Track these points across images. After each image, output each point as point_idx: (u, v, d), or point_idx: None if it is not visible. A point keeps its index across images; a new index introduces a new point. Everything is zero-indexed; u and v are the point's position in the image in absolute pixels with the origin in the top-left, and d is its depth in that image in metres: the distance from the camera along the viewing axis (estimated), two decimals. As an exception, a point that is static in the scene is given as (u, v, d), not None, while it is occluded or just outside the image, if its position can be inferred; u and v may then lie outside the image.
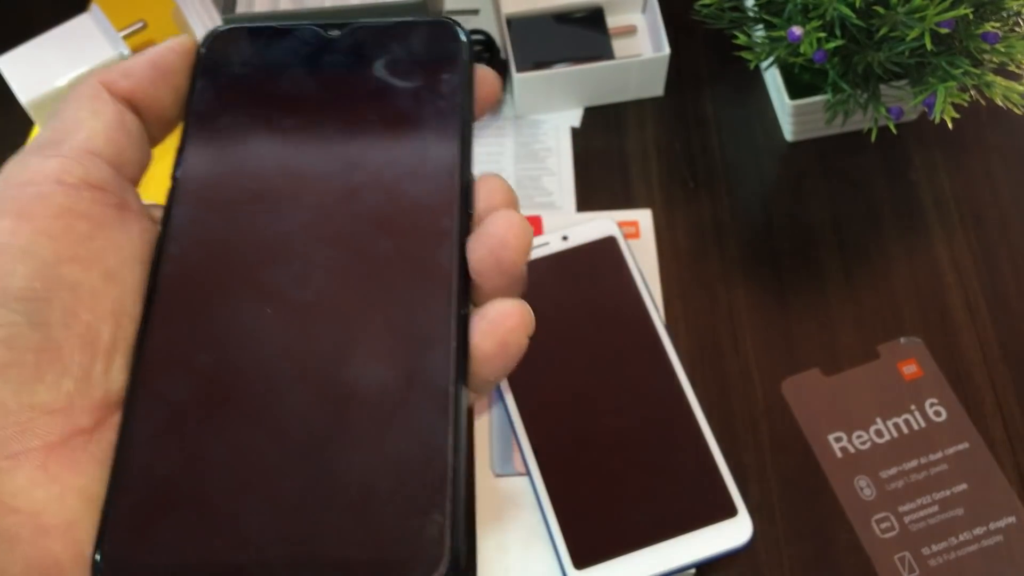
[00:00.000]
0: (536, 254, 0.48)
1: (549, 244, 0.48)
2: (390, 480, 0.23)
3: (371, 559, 0.22)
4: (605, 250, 0.48)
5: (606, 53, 0.60)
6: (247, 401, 0.24)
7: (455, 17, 0.52)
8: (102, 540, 0.22)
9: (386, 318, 0.25)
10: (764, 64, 0.53)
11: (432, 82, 0.30)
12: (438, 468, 0.23)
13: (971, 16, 0.47)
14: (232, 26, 0.30)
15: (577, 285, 0.47)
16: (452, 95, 0.29)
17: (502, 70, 0.60)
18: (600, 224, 0.49)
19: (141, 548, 0.22)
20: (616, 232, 0.48)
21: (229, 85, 0.29)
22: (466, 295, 0.27)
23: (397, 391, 0.24)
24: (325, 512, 0.22)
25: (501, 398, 0.45)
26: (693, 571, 0.42)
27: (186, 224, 0.26)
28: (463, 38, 0.30)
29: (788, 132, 0.59)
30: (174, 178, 0.27)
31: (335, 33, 0.30)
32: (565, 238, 0.48)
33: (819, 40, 0.47)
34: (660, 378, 0.45)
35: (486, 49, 0.61)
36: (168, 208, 0.26)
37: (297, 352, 0.24)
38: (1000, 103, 0.48)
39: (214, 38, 0.30)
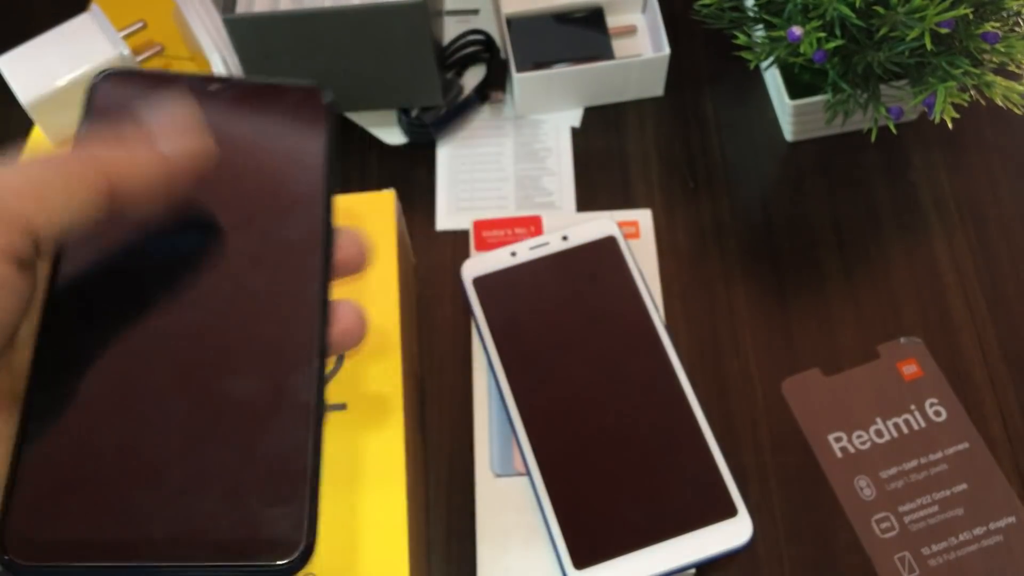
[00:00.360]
0: (536, 254, 0.48)
1: (549, 244, 0.48)
2: (260, 475, 0.27)
3: (242, 540, 0.26)
4: (605, 250, 0.48)
5: (606, 53, 0.60)
6: (136, 411, 0.28)
7: (454, 16, 0.53)
8: (4, 528, 0.25)
9: (260, 341, 0.30)
10: (764, 64, 0.53)
11: (299, 137, 0.34)
12: (299, 467, 0.28)
13: (971, 16, 0.47)
14: (120, 69, 0.33)
15: (577, 285, 0.47)
16: (316, 151, 0.34)
17: (502, 70, 0.60)
18: (600, 224, 0.49)
19: (43, 532, 0.26)
20: (616, 232, 0.48)
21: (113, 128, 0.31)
22: (326, 324, 0.31)
23: (268, 402, 0.29)
24: (205, 502, 0.27)
25: (501, 398, 0.45)
26: (693, 571, 0.42)
27: (76, 258, 0.29)
28: (326, 100, 0.34)
29: (788, 132, 0.59)
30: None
31: (215, 87, 0.33)
32: (565, 238, 0.48)
33: (819, 40, 0.47)
34: (660, 378, 0.45)
35: (486, 49, 0.61)
36: (57, 252, 0.29)
37: (184, 370, 0.29)
38: (1000, 103, 0.48)
39: (102, 78, 0.33)
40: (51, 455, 0.27)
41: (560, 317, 0.46)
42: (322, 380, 0.30)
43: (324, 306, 0.31)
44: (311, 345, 0.30)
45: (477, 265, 0.48)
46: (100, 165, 0.26)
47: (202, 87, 0.33)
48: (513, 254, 0.48)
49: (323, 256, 0.32)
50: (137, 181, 0.26)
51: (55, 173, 0.25)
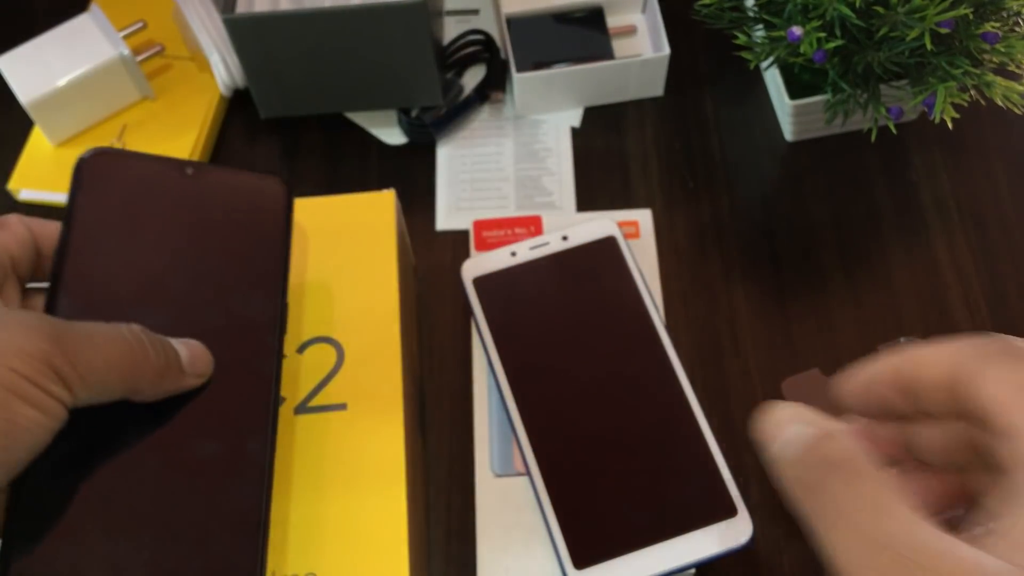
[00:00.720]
0: (536, 254, 0.48)
1: (549, 244, 0.48)
2: (221, 528, 0.33)
3: None
4: (605, 250, 0.48)
5: (606, 53, 0.60)
6: (117, 476, 0.32)
7: (454, 16, 0.53)
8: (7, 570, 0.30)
9: (221, 410, 0.34)
10: (764, 64, 0.53)
11: (261, 220, 0.38)
12: (253, 520, 0.33)
13: (971, 16, 0.47)
14: (107, 149, 0.37)
15: (577, 285, 0.47)
16: (276, 234, 0.38)
17: (502, 70, 0.60)
18: (600, 224, 0.49)
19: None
20: (616, 232, 0.48)
21: (102, 203, 0.36)
22: (278, 398, 0.36)
23: (228, 466, 0.34)
24: (178, 551, 0.32)
25: (501, 398, 0.45)
26: (693, 571, 0.42)
27: None
28: (285, 188, 0.39)
29: (788, 132, 0.59)
30: (52, 291, 0.34)
31: (191, 171, 0.38)
32: (565, 238, 0.48)
33: (819, 40, 0.47)
34: (660, 378, 0.45)
35: (486, 49, 0.61)
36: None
37: (155, 438, 0.33)
38: (1000, 103, 0.48)
39: (91, 155, 0.36)
40: (45, 515, 0.31)
41: (560, 317, 0.46)
42: (273, 445, 0.35)
43: (277, 379, 0.36)
44: (265, 414, 0.35)
45: (477, 265, 0.48)
46: (137, 382, 0.32)
47: (179, 170, 0.38)
48: (513, 254, 0.48)
49: (278, 333, 0.37)
50: (154, 391, 0.33)
51: (119, 372, 0.31)
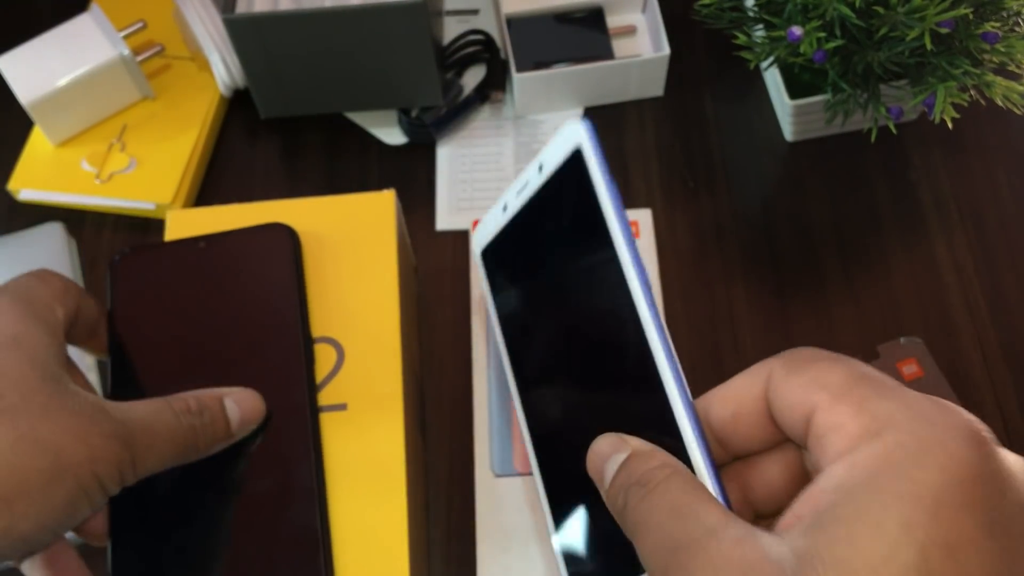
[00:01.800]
0: (522, 200, 0.37)
1: (529, 183, 0.36)
2: (287, 547, 0.36)
3: None
4: (574, 172, 0.34)
5: (606, 53, 0.60)
6: (193, 511, 0.37)
7: (454, 16, 0.52)
8: None
9: (269, 444, 0.38)
10: (764, 64, 0.53)
11: (274, 264, 0.42)
12: (313, 537, 0.37)
13: (971, 16, 0.47)
14: (135, 247, 0.43)
15: (558, 234, 0.36)
16: (288, 272, 0.42)
17: (502, 70, 0.60)
18: (565, 135, 0.35)
19: None
20: (583, 138, 0.34)
21: (138, 289, 0.42)
22: (317, 424, 0.39)
23: (281, 494, 0.37)
24: (249, 568, 0.36)
25: (509, 390, 0.42)
26: None
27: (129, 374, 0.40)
28: (292, 233, 0.43)
29: (788, 132, 0.59)
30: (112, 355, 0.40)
31: (203, 244, 0.42)
32: (541, 168, 0.36)
33: (819, 40, 0.47)
34: (632, 343, 0.31)
35: (486, 49, 0.61)
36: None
37: (215, 472, 0.37)
38: (1000, 103, 0.48)
39: (120, 257, 0.42)
40: (136, 546, 0.36)
41: (548, 279, 0.37)
42: (321, 468, 0.38)
43: (313, 408, 0.39)
44: (307, 440, 0.38)
45: (482, 234, 0.39)
46: (182, 460, 0.35)
47: (194, 245, 0.42)
48: (505, 208, 0.38)
49: (306, 365, 0.40)
50: (200, 456, 0.36)
51: (168, 460, 0.34)
